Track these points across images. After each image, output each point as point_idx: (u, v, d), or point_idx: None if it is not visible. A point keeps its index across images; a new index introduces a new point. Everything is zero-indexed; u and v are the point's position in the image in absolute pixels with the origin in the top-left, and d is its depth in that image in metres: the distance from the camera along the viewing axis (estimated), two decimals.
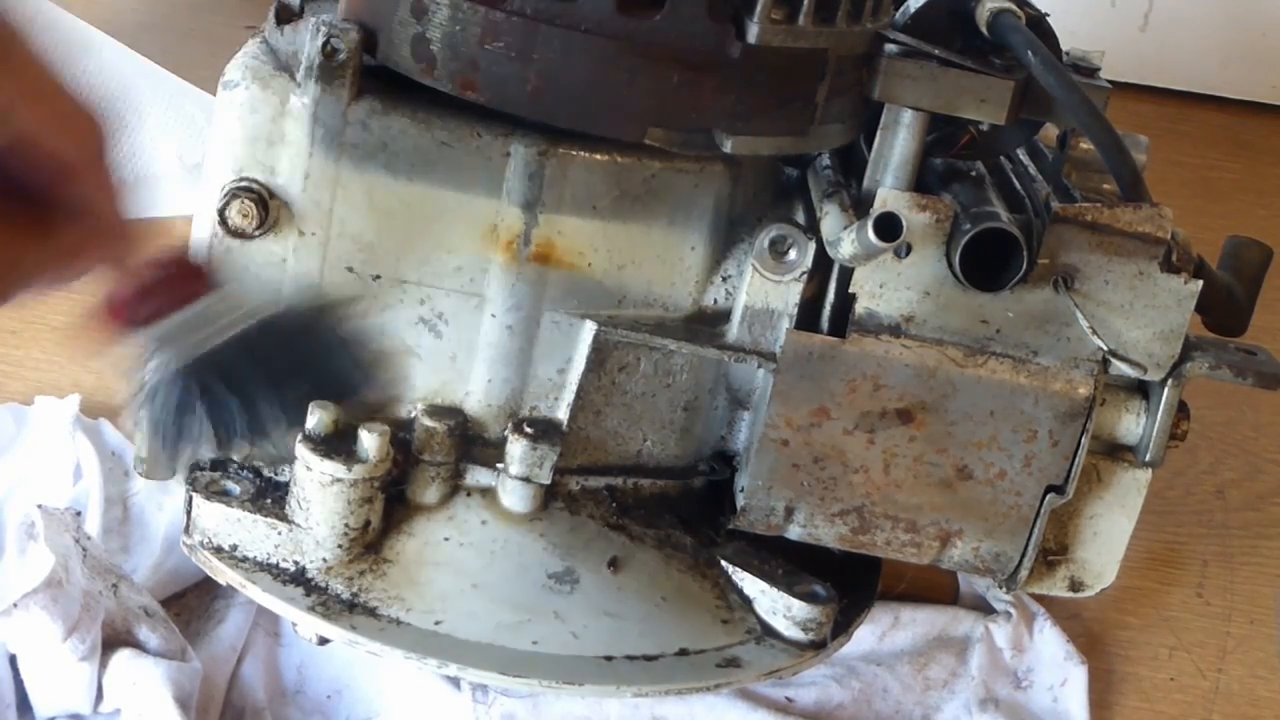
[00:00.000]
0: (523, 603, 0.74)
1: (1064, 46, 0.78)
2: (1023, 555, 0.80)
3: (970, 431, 0.77)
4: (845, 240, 0.71)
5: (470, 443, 0.76)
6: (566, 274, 0.74)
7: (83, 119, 0.54)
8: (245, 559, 0.74)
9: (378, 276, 0.74)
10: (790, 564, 0.79)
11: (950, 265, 0.74)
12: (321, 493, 0.72)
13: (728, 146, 0.70)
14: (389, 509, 0.75)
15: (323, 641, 0.74)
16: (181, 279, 0.64)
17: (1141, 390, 0.80)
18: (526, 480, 0.76)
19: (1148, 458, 0.80)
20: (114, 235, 0.57)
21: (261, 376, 0.66)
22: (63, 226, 0.55)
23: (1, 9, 0.51)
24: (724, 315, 0.77)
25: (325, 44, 0.70)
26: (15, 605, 0.71)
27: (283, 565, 0.74)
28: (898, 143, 0.74)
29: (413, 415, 0.76)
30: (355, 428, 0.73)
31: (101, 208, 0.56)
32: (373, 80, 0.71)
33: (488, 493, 0.77)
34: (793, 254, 0.75)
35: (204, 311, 0.64)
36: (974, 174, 0.79)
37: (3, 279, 0.53)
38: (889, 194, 0.73)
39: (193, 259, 0.66)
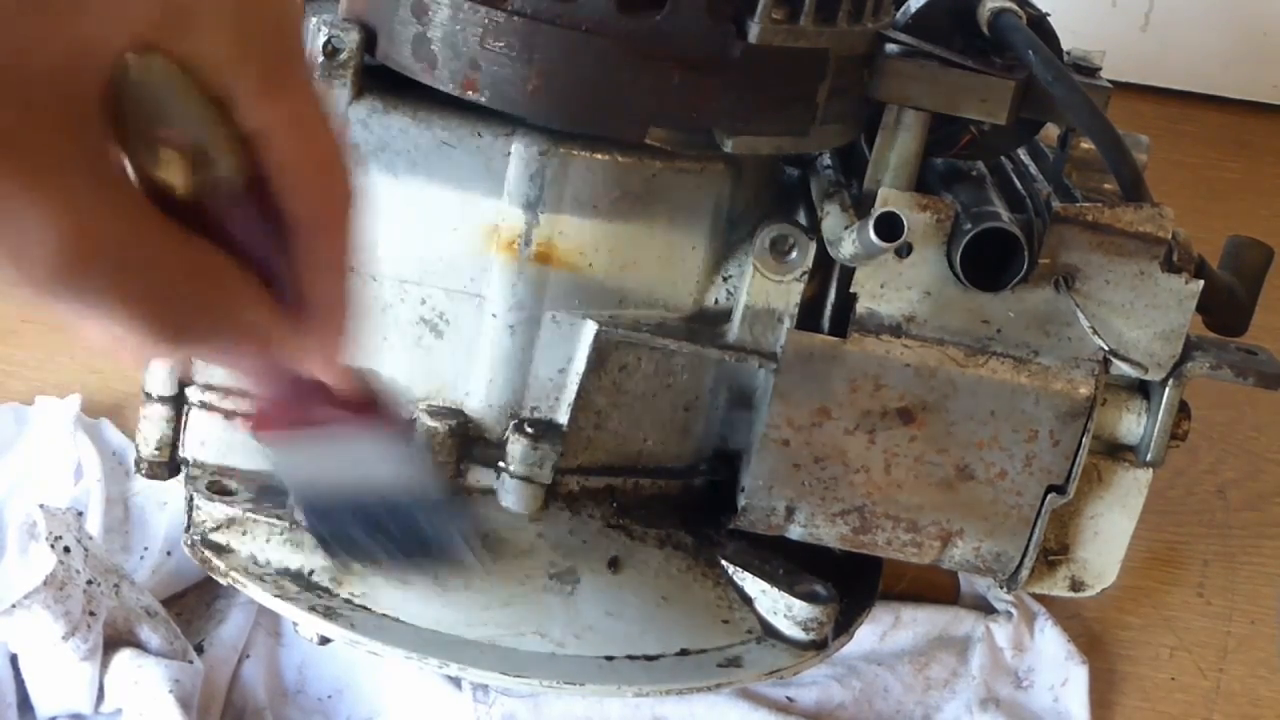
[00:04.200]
0: (524, 602, 0.74)
1: (1065, 46, 0.78)
2: (1023, 555, 0.80)
3: (971, 431, 0.77)
4: (846, 240, 0.71)
5: (471, 443, 0.76)
6: (567, 274, 0.74)
7: (339, 172, 0.45)
8: (246, 558, 0.74)
9: (378, 277, 0.74)
10: (791, 564, 0.79)
11: (951, 265, 0.74)
12: None
13: (728, 146, 0.70)
14: None
15: (324, 641, 0.74)
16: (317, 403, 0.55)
17: (1142, 390, 0.80)
18: (527, 480, 0.76)
19: (1149, 457, 0.80)
20: (320, 331, 0.46)
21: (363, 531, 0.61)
22: (274, 293, 0.45)
23: (286, 19, 0.42)
24: (725, 315, 0.77)
25: (326, 43, 0.70)
26: (16, 605, 0.71)
27: (284, 564, 0.74)
28: (898, 143, 0.74)
29: (413, 415, 0.76)
30: None
31: (319, 288, 0.46)
32: (373, 80, 0.71)
33: (488, 493, 0.77)
34: (794, 254, 0.75)
35: (331, 453, 0.57)
36: (975, 174, 0.79)
37: (196, 319, 0.43)
38: (890, 194, 0.73)
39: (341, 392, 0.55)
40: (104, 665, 0.74)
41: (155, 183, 0.41)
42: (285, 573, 0.74)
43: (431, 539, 0.61)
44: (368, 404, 0.55)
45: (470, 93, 0.69)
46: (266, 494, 0.75)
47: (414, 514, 0.60)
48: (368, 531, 0.60)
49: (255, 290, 0.44)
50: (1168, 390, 0.78)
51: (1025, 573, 0.80)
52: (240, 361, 0.49)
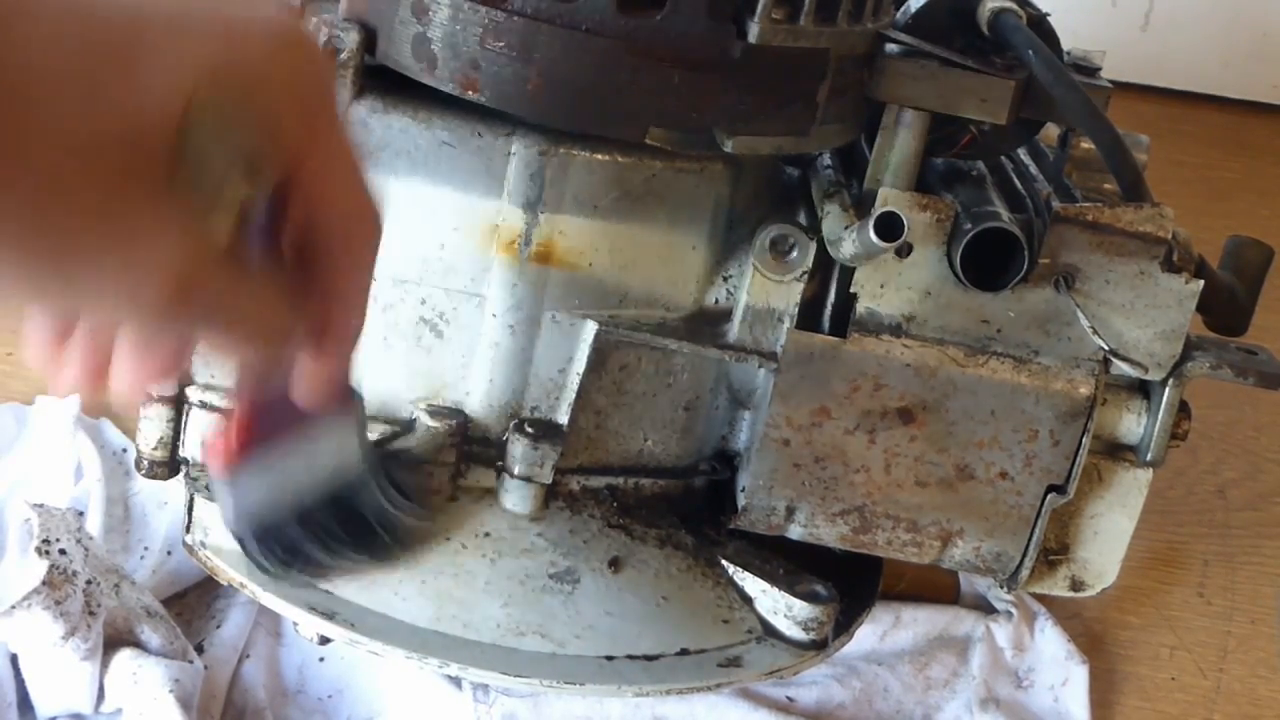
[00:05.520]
0: (524, 602, 0.74)
1: (1065, 46, 0.78)
2: (1024, 555, 0.80)
3: (971, 431, 0.77)
4: (846, 240, 0.71)
5: (471, 443, 0.76)
6: (568, 274, 0.74)
7: (368, 216, 0.50)
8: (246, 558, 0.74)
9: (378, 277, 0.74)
10: (791, 563, 0.79)
11: (951, 265, 0.74)
12: None
13: (728, 146, 0.70)
14: None
15: (324, 641, 0.74)
16: (284, 416, 0.58)
17: (1142, 390, 0.80)
18: (528, 480, 0.76)
19: (1149, 457, 0.80)
20: (332, 349, 0.52)
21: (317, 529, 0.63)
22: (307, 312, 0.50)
23: (327, 74, 0.47)
24: (725, 315, 0.77)
25: (326, 43, 0.70)
26: (16, 605, 0.71)
27: None
28: (898, 142, 0.74)
29: (413, 415, 0.76)
30: None
31: (340, 312, 0.51)
32: (374, 80, 0.71)
33: (489, 493, 0.77)
34: (794, 254, 0.75)
35: (292, 458, 0.60)
36: (975, 174, 0.79)
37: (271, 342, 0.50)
38: (890, 193, 0.73)
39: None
40: (104, 665, 0.74)
41: (208, 224, 0.45)
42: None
43: (370, 521, 0.64)
44: (333, 390, 0.56)
45: (470, 93, 0.69)
46: None
47: (351, 501, 0.62)
48: (309, 535, 0.61)
49: (294, 312, 0.50)
50: (1168, 390, 0.78)
51: (1025, 572, 0.80)
52: (266, 370, 0.54)
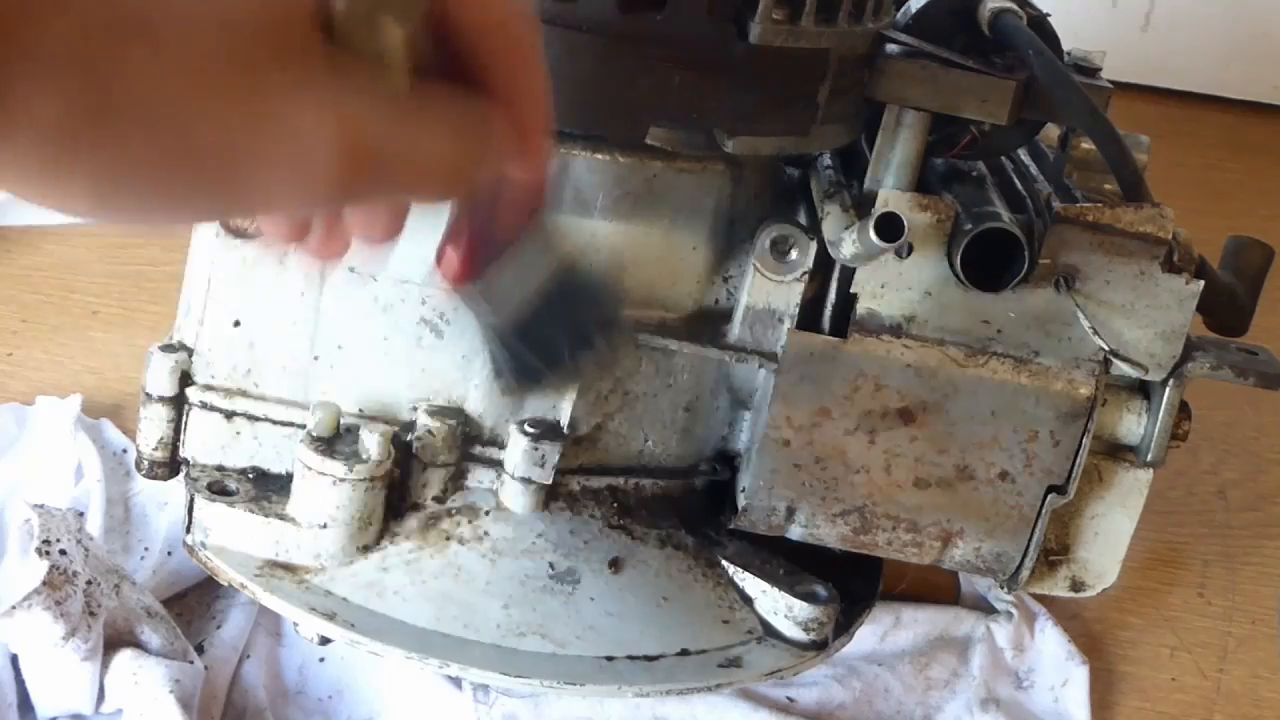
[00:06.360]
0: (524, 602, 0.74)
1: (1065, 46, 0.78)
2: (1024, 555, 0.80)
3: (971, 432, 0.77)
4: (847, 240, 0.71)
5: (471, 442, 0.76)
6: None
7: (523, 10, 0.46)
8: (246, 558, 0.74)
9: (378, 277, 0.74)
10: (791, 564, 0.79)
11: (951, 265, 0.74)
12: (323, 492, 0.72)
13: (729, 146, 0.70)
14: (390, 509, 0.75)
15: (324, 641, 0.74)
16: (508, 215, 0.56)
17: (1143, 390, 0.80)
18: (528, 480, 0.76)
19: (1149, 458, 0.80)
20: (528, 147, 0.48)
21: (556, 325, 0.59)
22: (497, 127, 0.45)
23: None
24: (725, 315, 0.77)
25: None
26: (17, 606, 0.71)
27: (284, 564, 0.74)
28: (899, 143, 0.74)
29: (413, 416, 0.76)
30: (357, 427, 0.73)
31: (527, 110, 0.47)
32: None
33: (489, 493, 0.77)
34: (794, 254, 0.75)
35: (522, 259, 0.57)
36: (975, 174, 0.79)
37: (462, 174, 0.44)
38: (890, 194, 0.73)
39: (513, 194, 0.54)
40: (104, 665, 0.74)
41: (383, 60, 0.41)
42: (286, 573, 0.74)
43: (604, 300, 0.60)
44: (540, 189, 0.54)
45: None
46: (266, 493, 0.75)
47: (583, 281, 0.59)
48: (556, 321, 0.58)
49: (492, 114, 0.45)
50: (1168, 390, 0.78)
51: (1026, 573, 0.80)
52: (474, 188, 0.49)
